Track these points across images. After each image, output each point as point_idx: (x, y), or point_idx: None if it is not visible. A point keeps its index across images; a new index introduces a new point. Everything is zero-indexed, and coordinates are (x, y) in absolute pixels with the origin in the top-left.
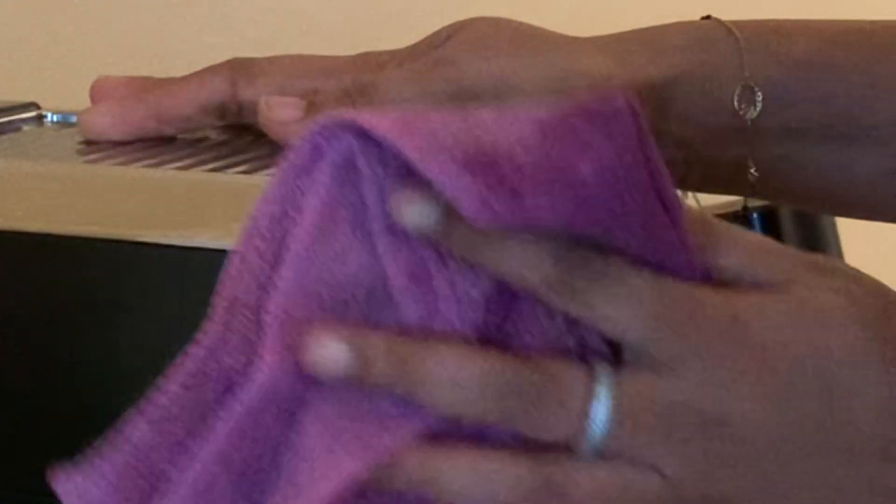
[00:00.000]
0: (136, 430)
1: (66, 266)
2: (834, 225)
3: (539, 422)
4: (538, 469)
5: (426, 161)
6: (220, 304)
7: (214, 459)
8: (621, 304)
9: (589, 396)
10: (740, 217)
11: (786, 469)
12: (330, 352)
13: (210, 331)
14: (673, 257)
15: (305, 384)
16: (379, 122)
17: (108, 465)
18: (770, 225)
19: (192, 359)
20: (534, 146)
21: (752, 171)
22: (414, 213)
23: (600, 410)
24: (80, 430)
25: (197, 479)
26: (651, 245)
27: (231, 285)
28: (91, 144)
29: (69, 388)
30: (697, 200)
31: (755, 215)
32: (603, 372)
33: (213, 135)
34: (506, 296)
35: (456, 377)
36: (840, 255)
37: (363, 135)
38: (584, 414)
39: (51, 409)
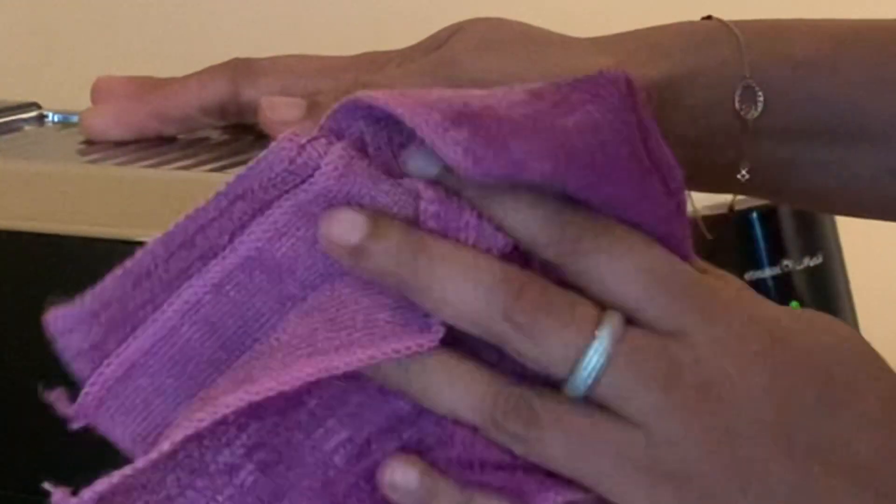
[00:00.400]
0: (118, 282)
1: (66, 266)
2: (834, 225)
3: (537, 342)
4: (515, 390)
5: (414, 119)
6: (229, 189)
7: (185, 309)
8: (628, 270)
9: (592, 329)
10: (728, 217)
11: (768, 463)
12: (348, 216)
13: (204, 208)
14: (669, 230)
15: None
16: (376, 95)
17: (91, 298)
18: (770, 225)
19: (179, 228)
20: (520, 104)
21: (742, 172)
22: (417, 164)
23: (600, 346)
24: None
25: (164, 324)
26: (644, 211)
27: (244, 180)
28: (92, 144)
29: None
30: (692, 200)
31: (755, 215)
32: (613, 315)
33: (215, 135)
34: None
35: (469, 276)
36: (840, 255)
37: (369, 116)
38: (584, 345)
39: (50, 409)
